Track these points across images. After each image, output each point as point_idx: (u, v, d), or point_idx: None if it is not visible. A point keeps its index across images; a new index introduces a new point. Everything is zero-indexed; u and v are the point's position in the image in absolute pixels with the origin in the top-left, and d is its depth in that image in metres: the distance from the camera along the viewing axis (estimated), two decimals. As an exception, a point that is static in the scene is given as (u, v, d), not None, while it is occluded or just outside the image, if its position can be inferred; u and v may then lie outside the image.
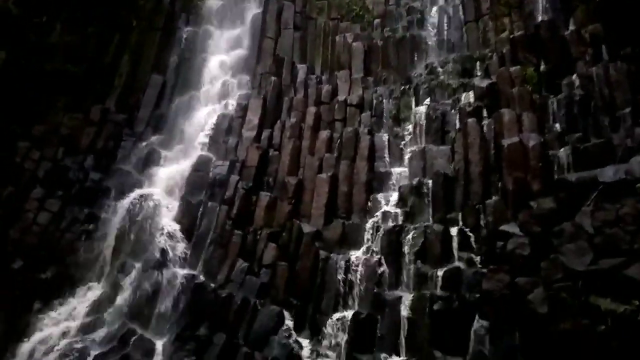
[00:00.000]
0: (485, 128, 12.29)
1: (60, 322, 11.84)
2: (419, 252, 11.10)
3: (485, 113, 12.89)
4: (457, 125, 13.03)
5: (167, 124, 16.18)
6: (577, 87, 12.06)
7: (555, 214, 9.87)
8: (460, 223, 11.32)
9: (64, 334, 11.42)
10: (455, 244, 10.98)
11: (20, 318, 12.19)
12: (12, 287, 12.55)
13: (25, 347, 11.54)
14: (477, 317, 9.48)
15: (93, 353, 10.73)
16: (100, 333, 11.27)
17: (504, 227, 10.32)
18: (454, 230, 11.13)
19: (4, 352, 11.60)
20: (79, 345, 10.92)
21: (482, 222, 10.96)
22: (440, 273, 10.56)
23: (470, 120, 12.44)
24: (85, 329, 11.48)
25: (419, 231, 11.32)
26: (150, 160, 15.13)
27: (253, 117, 15.32)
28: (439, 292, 10.25)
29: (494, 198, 11.20)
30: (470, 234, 11.00)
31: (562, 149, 11.17)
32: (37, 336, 11.55)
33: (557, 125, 11.84)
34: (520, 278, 9.27)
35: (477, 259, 10.57)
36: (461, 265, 10.60)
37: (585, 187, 9.85)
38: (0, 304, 12.37)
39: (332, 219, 12.73)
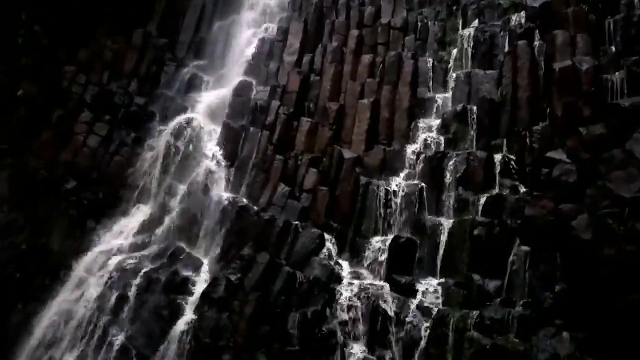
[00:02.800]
0: (536, 51, 11.78)
1: (113, 239, 12.49)
2: (460, 178, 11.04)
3: (537, 35, 12.30)
4: (507, 48, 12.51)
5: (208, 49, 16.15)
6: (636, 7, 11.31)
7: (605, 140, 9.57)
8: (505, 150, 11.14)
9: (117, 251, 12.05)
10: (498, 171, 10.86)
11: (76, 236, 12.89)
12: (66, 206, 13.20)
13: (82, 262, 12.24)
14: (517, 242, 9.50)
15: (145, 268, 11.33)
16: (151, 250, 11.84)
17: (550, 154, 10.08)
18: (497, 157, 10.98)
19: (62, 267, 12.35)
20: (131, 261, 11.54)
21: (527, 149, 10.74)
22: (481, 199, 10.54)
23: (520, 42, 11.93)
24: (137, 246, 12.09)
25: (461, 158, 11.21)
26: (192, 85, 15.26)
27: (294, 41, 15.09)
28: (479, 218, 10.25)
29: (541, 124, 10.90)
30: (515, 161, 10.83)
31: (616, 73, 10.66)
32: (92, 252, 12.23)
33: (613, 48, 11.23)
34: (565, 204, 9.16)
35: (521, 185, 10.47)
36: (504, 191, 10.52)
37: (638, 112, 9.45)
38: (56, 222, 13.08)
39: (373, 145, 12.69)
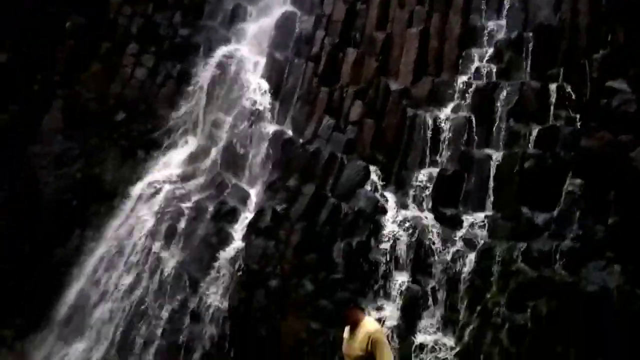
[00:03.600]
0: (599, -27, 10.97)
1: (163, 170, 12.83)
2: (512, 109, 10.63)
3: (601, -45, 11.41)
4: (567, -29, 11.69)
5: (251, -23, 15.74)
6: None
7: (671, 68, 9.00)
8: (561, 79, 10.61)
9: (167, 181, 12.39)
10: (553, 102, 10.40)
11: (127, 166, 13.29)
12: (117, 137, 13.56)
13: (134, 191, 12.69)
14: (570, 174, 9.21)
15: (193, 198, 11.65)
16: (199, 181, 12.14)
17: (610, 83, 9.55)
18: (552, 87, 10.47)
19: (116, 195, 12.86)
20: (181, 191, 11.88)
21: (586, 78, 10.19)
22: (534, 131, 10.16)
23: (582, -37, 11.11)
24: (185, 177, 12.40)
25: (514, 88, 10.75)
26: (235, 16, 15.02)
27: (339, -33, 14.49)
28: (531, 150, 9.94)
29: (602, 52, 10.27)
30: (571, 91, 10.32)
31: (687, -5, 9.87)
32: (143, 181, 12.63)
33: (685, -32, 10.33)
34: (623, 135, 8.77)
35: (577, 116, 10.02)
36: (558, 123, 10.11)
37: None
38: (108, 153, 13.50)
39: (422, 75, 12.26)
